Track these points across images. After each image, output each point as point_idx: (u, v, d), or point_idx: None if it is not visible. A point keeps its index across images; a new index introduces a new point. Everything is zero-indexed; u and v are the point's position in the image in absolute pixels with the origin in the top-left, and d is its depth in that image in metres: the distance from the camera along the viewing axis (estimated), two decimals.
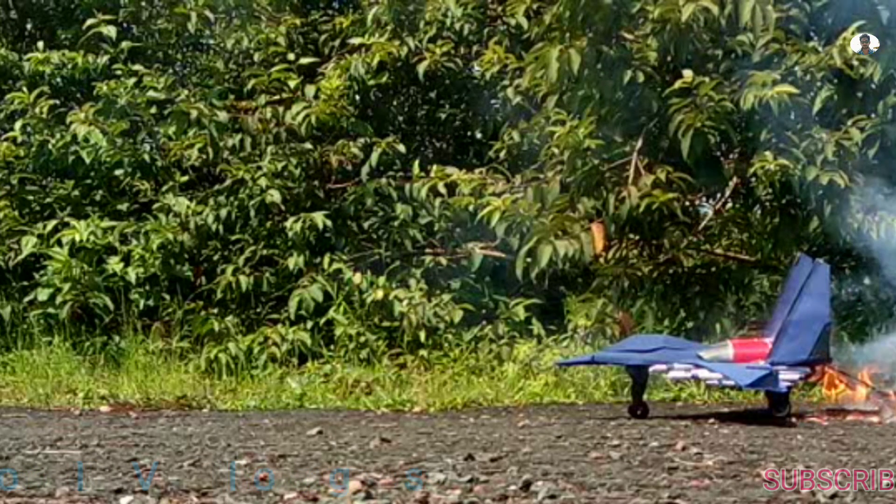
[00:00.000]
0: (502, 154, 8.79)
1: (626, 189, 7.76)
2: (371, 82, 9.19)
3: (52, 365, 8.17)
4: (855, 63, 7.60)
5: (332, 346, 8.27)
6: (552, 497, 3.41)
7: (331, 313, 8.39)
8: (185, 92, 9.51)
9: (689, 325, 7.94)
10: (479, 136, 9.71)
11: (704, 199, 8.79)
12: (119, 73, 9.61)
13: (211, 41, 10.35)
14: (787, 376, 5.98)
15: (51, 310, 8.61)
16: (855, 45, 7.57)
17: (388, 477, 3.81)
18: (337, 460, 4.34)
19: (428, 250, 8.94)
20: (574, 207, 8.00)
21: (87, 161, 9.22)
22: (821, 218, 7.75)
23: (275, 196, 8.75)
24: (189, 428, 5.84)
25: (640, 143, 7.98)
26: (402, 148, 9.09)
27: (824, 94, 7.71)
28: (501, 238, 8.28)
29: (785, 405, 6.08)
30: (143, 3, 10.30)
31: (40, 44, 9.91)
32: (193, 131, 9.13)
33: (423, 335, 8.10)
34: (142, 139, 9.72)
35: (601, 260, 8.13)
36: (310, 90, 9.08)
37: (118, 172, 9.37)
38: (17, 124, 9.45)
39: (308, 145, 9.06)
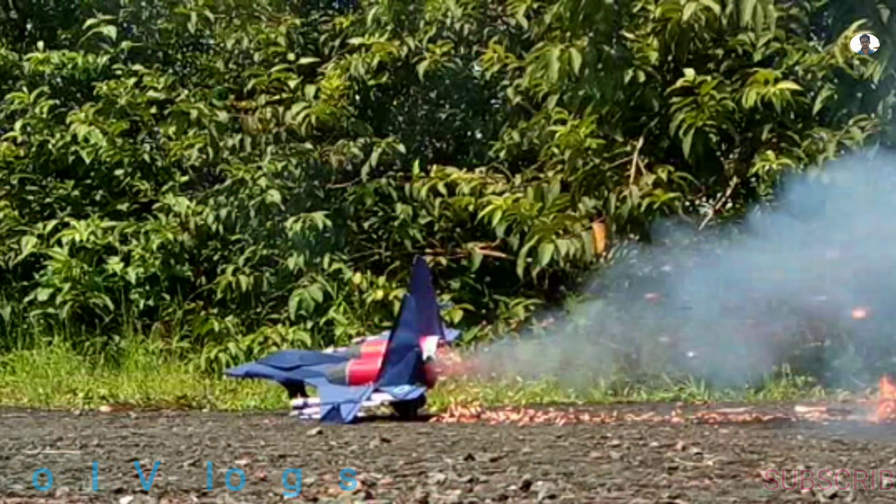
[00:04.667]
0: (502, 154, 8.79)
1: (627, 188, 7.76)
2: (371, 82, 9.19)
3: (52, 365, 8.18)
4: (856, 62, 7.60)
5: (332, 346, 8.27)
6: (552, 497, 3.40)
7: (331, 313, 8.39)
8: (185, 92, 9.52)
9: None
10: (479, 136, 9.70)
11: (704, 198, 8.78)
12: (119, 73, 9.62)
13: (211, 41, 10.34)
14: (381, 398, 6.22)
15: (51, 310, 8.62)
16: (855, 45, 7.57)
17: (388, 477, 3.80)
18: (337, 460, 4.34)
19: (428, 250, 8.93)
20: (575, 207, 8.00)
21: (87, 161, 9.23)
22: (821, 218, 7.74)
23: (275, 196, 8.74)
24: (189, 428, 5.83)
25: (641, 143, 7.98)
26: (402, 148, 9.09)
27: (825, 94, 7.70)
28: (501, 238, 8.28)
29: (405, 412, 6.39)
30: (143, 3, 10.30)
31: (40, 44, 9.91)
32: (193, 131, 9.14)
33: None
34: (142, 139, 9.74)
35: (601, 260, 8.12)
36: (310, 90, 9.07)
37: (118, 172, 9.38)
38: (17, 124, 9.46)
39: (308, 145, 9.06)
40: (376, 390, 6.20)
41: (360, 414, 6.16)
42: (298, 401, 6.47)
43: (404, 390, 6.20)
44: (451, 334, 6.89)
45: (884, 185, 6.46)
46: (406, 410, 6.46)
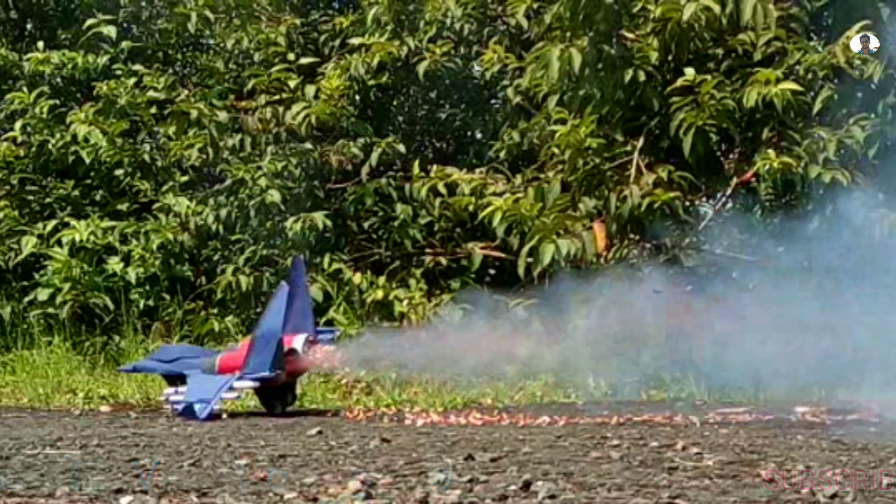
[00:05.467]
0: (502, 154, 8.78)
1: (627, 188, 7.75)
2: (371, 82, 9.18)
3: (52, 365, 8.18)
4: (856, 62, 7.60)
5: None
6: (552, 497, 3.40)
7: (331, 313, 8.38)
8: (185, 92, 9.52)
9: None
10: (479, 136, 9.70)
11: (704, 198, 8.78)
12: (119, 73, 9.62)
13: (211, 41, 10.34)
14: (241, 385, 6.47)
15: (51, 310, 8.62)
16: (855, 45, 7.57)
17: (388, 477, 3.80)
18: (337, 460, 4.34)
19: (428, 250, 8.93)
20: (575, 207, 8.00)
21: (87, 161, 9.23)
22: (822, 217, 7.74)
23: (275, 196, 8.74)
24: (189, 428, 5.83)
25: (641, 142, 7.98)
26: (402, 148, 9.08)
27: (825, 94, 7.70)
28: (501, 238, 8.28)
29: (271, 407, 6.63)
30: (143, 3, 10.31)
31: (40, 44, 9.91)
32: (193, 131, 9.13)
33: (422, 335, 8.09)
34: (142, 139, 9.73)
35: (601, 259, 8.12)
36: (310, 90, 9.07)
37: (118, 172, 9.38)
38: (17, 124, 9.46)
39: (308, 145, 9.06)
40: (240, 378, 6.43)
41: (217, 408, 6.32)
42: (170, 389, 6.66)
43: (262, 375, 6.40)
44: (330, 333, 7.04)
45: None
46: (272, 406, 6.63)
